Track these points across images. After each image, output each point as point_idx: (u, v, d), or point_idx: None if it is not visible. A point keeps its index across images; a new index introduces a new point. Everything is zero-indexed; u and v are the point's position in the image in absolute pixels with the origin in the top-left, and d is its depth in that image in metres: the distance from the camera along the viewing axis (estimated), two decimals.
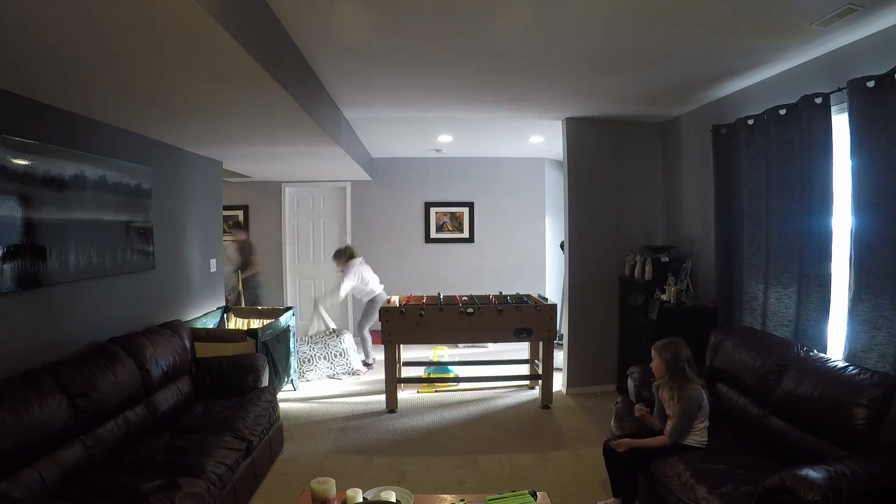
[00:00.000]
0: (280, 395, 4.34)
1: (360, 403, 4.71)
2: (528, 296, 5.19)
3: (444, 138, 5.89)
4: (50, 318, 2.89)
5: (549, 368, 4.58)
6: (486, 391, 5.01)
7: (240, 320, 5.30)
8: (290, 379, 5.01)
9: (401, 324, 4.52)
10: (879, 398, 2.23)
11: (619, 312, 4.99)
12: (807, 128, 3.01)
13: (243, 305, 6.18)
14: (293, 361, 5.11)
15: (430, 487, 3.17)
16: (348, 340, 5.71)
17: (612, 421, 3.31)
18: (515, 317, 4.58)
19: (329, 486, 2.12)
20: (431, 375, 5.36)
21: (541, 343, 4.67)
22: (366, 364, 5.88)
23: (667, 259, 4.46)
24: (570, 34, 2.79)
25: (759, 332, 3.35)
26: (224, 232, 5.74)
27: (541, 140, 5.96)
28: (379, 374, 5.15)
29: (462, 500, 2.25)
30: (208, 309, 4.93)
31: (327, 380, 5.48)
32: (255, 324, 5.06)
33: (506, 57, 3.14)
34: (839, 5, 2.39)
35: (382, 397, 4.60)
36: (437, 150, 6.70)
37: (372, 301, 5.96)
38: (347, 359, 5.60)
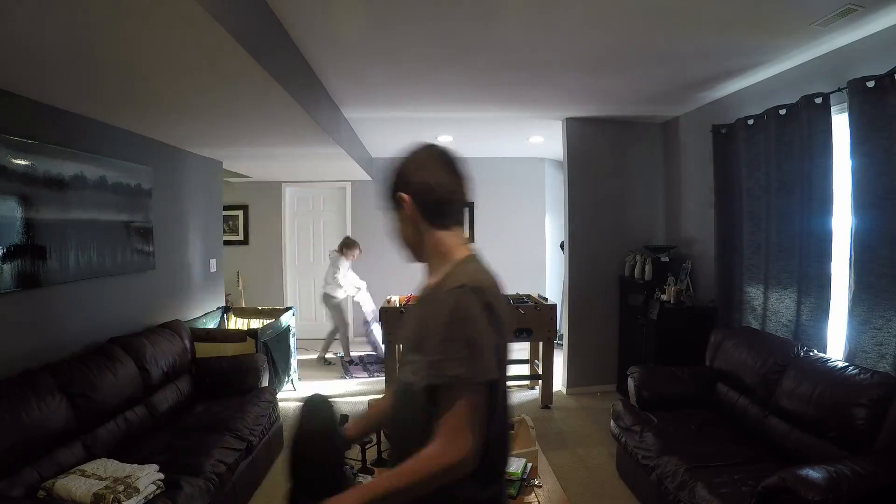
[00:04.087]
0: (280, 395, 4.34)
1: (361, 403, 4.70)
2: (528, 296, 5.19)
3: (444, 138, 5.89)
4: (50, 318, 2.89)
5: (549, 368, 4.57)
6: None
7: (240, 320, 5.30)
8: (290, 379, 5.01)
9: (401, 324, 4.52)
10: (879, 398, 2.23)
11: (619, 312, 4.99)
12: (807, 128, 3.01)
13: (243, 305, 6.18)
14: (293, 361, 5.11)
15: None
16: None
17: (612, 421, 3.31)
18: (515, 317, 4.58)
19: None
20: None
21: (541, 343, 4.67)
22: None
23: (667, 259, 4.46)
24: (571, 34, 2.79)
25: (759, 332, 3.35)
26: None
27: (541, 140, 5.96)
28: (379, 375, 5.16)
29: None
30: (208, 309, 4.93)
31: (326, 380, 5.48)
32: (255, 324, 5.06)
33: (506, 57, 3.14)
34: (839, 5, 2.39)
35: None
36: None
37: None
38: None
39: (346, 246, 6.06)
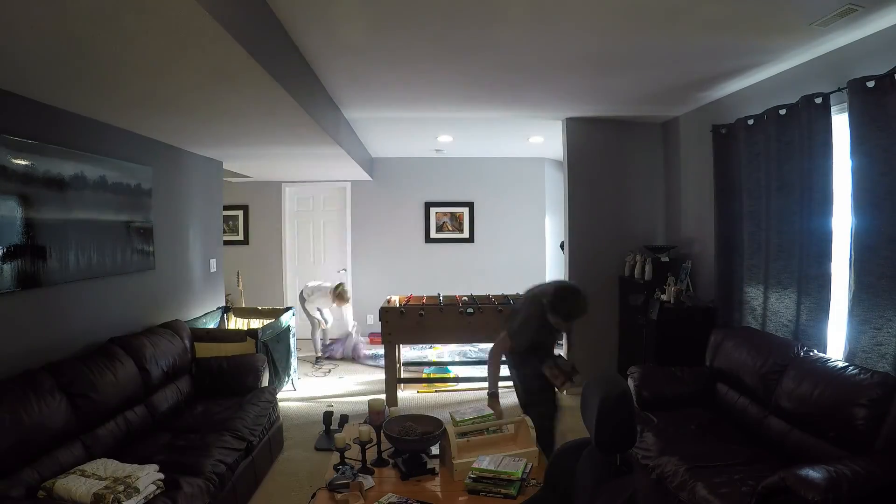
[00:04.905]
0: (280, 395, 4.34)
1: (361, 403, 4.71)
2: None
3: (444, 138, 5.89)
4: (50, 318, 2.89)
5: None
6: (486, 391, 5.00)
7: (240, 320, 5.30)
8: (290, 379, 5.01)
9: (401, 324, 4.52)
10: (879, 398, 2.23)
11: (619, 312, 4.99)
12: (807, 128, 3.01)
13: (244, 305, 6.19)
14: (293, 361, 5.11)
15: None
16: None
17: None
18: None
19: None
20: (431, 375, 5.36)
21: None
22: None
23: (667, 259, 4.46)
24: (570, 34, 2.79)
25: (759, 332, 3.35)
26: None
27: (541, 140, 5.96)
28: (379, 374, 5.16)
29: None
30: (208, 309, 4.93)
31: (327, 379, 5.49)
32: (255, 324, 5.06)
33: (506, 57, 3.14)
34: (839, 5, 2.39)
35: (382, 397, 4.60)
36: (437, 150, 6.69)
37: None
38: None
39: (340, 297, 6.18)
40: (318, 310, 6.26)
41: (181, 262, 4.47)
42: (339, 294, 6.15)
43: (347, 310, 6.34)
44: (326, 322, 6.36)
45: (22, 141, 2.64)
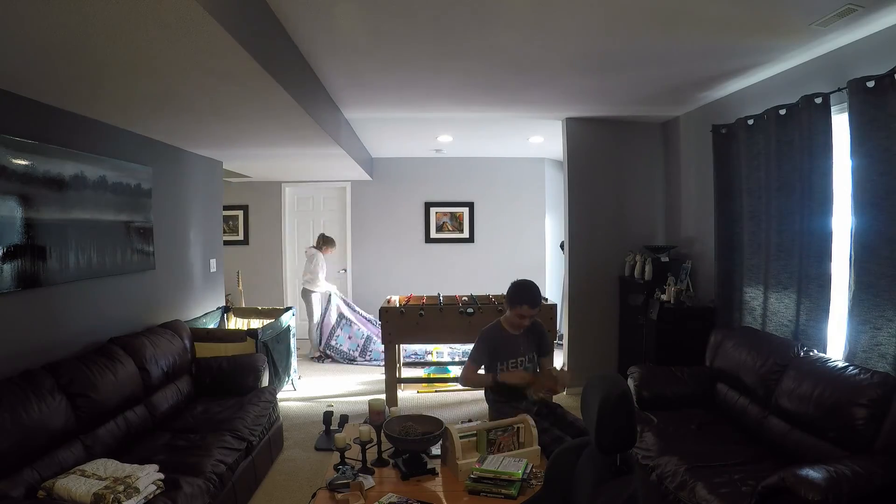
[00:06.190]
0: (280, 395, 4.34)
1: (361, 403, 4.71)
2: None
3: (444, 138, 5.89)
4: (50, 318, 2.89)
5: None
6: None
7: (240, 320, 5.30)
8: (290, 379, 5.01)
9: (401, 324, 4.52)
10: (879, 398, 2.23)
11: (619, 312, 4.99)
12: (807, 128, 3.01)
13: (243, 305, 6.19)
14: (293, 361, 5.11)
15: None
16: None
17: None
18: None
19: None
20: (431, 375, 5.36)
21: None
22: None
23: (667, 259, 4.46)
24: (570, 34, 2.79)
25: (759, 332, 3.35)
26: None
27: (541, 140, 5.96)
28: (379, 374, 5.15)
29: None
30: (208, 309, 4.93)
31: (326, 378, 5.49)
32: (255, 324, 5.07)
33: (506, 57, 3.14)
34: (839, 5, 2.40)
35: (382, 397, 4.60)
36: (437, 150, 6.69)
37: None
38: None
39: (325, 243, 6.33)
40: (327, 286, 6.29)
41: (181, 262, 4.47)
42: (326, 241, 6.31)
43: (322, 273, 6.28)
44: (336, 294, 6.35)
45: (22, 141, 2.64)
